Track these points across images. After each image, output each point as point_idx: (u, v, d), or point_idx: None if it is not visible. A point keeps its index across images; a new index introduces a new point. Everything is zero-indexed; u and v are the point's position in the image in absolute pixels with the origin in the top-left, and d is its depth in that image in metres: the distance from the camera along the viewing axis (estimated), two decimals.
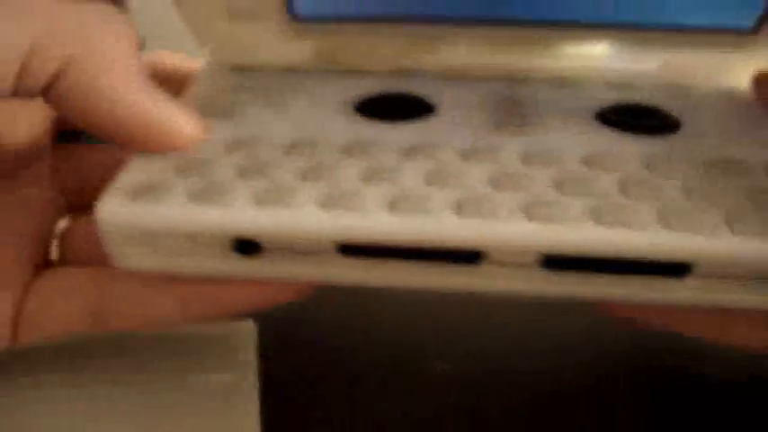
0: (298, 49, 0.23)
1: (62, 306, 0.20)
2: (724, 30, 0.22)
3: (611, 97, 0.22)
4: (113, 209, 0.18)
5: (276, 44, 0.23)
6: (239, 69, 0.23)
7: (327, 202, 0.17)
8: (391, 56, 0.23)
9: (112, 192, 0.18)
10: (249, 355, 0.24)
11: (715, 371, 0.24)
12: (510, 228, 0.16)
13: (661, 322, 0.19)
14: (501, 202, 0.17)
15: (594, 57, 0.23)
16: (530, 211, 0.17)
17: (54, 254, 0.22)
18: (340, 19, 0.23)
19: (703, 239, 0.16)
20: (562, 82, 0.23)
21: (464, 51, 0.23)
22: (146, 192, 0.18)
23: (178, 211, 0.17)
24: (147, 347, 0.24)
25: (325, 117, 0.21)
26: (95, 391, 0.23)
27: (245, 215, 0.17)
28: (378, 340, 0.26)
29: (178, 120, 0.19)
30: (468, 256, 0.17)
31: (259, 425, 0.22)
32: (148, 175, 0.18)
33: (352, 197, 0.17)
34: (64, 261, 0.22)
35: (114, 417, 0.22)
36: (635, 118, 0.21)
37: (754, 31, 0.21)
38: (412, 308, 0.26)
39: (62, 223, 0.22)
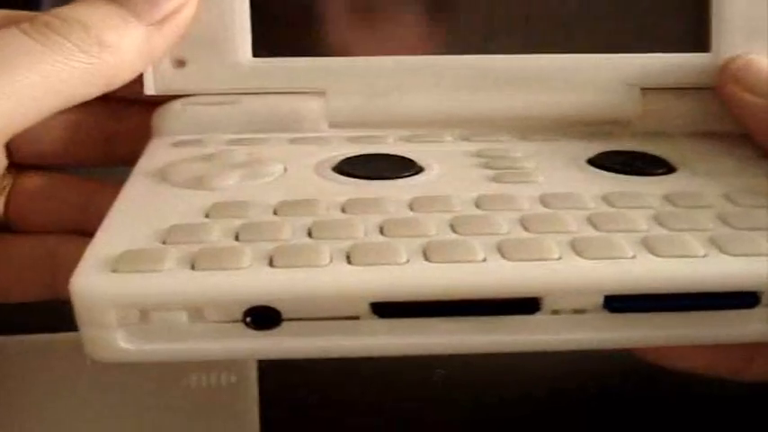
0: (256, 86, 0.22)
1: (16, 280, 0.21)
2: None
3: (594, 147, 0.21)
4: (93, 282, 0.14)
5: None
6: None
7: (354, 258, 0.15)
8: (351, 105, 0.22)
9: (88, 263, 0.15)
10: None
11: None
12: (569, 267, 0.15)
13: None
14: (546, 242, 0.15)
15: (568, 102, 0.22)
16: (581, 250, 0.15)
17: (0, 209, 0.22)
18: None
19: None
20: (535, 130, 0.22)
21: (426, 96, 0.22)
22: (131, 261, 0.15)
23: (177, 279, 0.14)
24: None
25: (307, 180, 0.19)
26: (95, 390, 0.23)
27: (260, 278, 0.14)
28: None
29: None
30: (523, 305, 0.15)
31: (259, 425, 0.22)
32: (126, 244, 0.15)
33: (381, 250, 0.15)
34: (9, 218, 0.22)
35: (114, 416, 0.22)
36: (630, 162, 0.20)
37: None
38: None
39: (6, 183, 0.22)
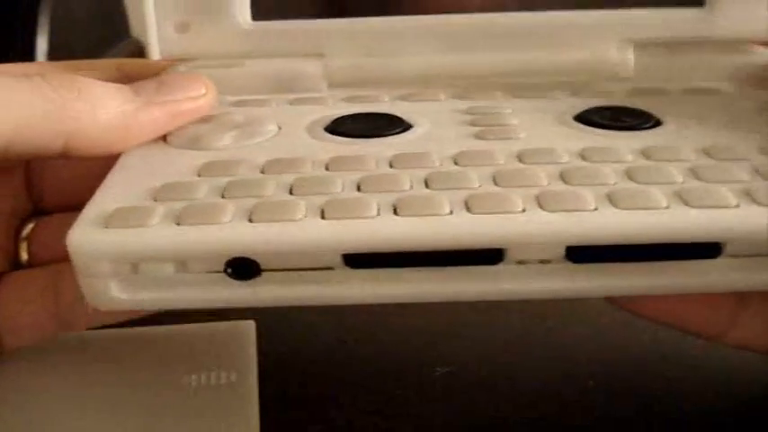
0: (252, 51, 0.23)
1: (24, 312, 0.21)
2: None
3: (585, 103, 0.21)
4: (87, 237, 0.16)
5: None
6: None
7: (328, 212, 0.16)
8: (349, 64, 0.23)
9: (83, 220, 0.16)
10: (249, 355, 0.24)
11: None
12: (531, 219, 0.15)
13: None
14: (512, 196, 0.16)
15: (562, 59, 0.23)
16: (545, 203, 0.16)
17: (24, 256, 0.22)
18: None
19: (732, 213, 0.15)
20: (530, 88, 0.22)
21: (422, 56, 0.23)
22: (122, 217, 0.16)
23: (163, 234, 0.15)
24: (147, 347, 0.24)
25: (299, 139, 0.20)
26: (94, 390, 0.23)
27: (240, 231, 0.15)
28: (378, 342, 0.26)
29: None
30: (487, 256, 0.16)
31: (259, 425, 0.22)
32: (120, 202, 0.17)
33: (353, 205, 0.16)
34: (33, 261, 0.22)
35: (114, 416, 0.22)
36: (616, 117, 0.20)
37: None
38: (413, 309, 0.26)
39: (29, 226, 0.23)
